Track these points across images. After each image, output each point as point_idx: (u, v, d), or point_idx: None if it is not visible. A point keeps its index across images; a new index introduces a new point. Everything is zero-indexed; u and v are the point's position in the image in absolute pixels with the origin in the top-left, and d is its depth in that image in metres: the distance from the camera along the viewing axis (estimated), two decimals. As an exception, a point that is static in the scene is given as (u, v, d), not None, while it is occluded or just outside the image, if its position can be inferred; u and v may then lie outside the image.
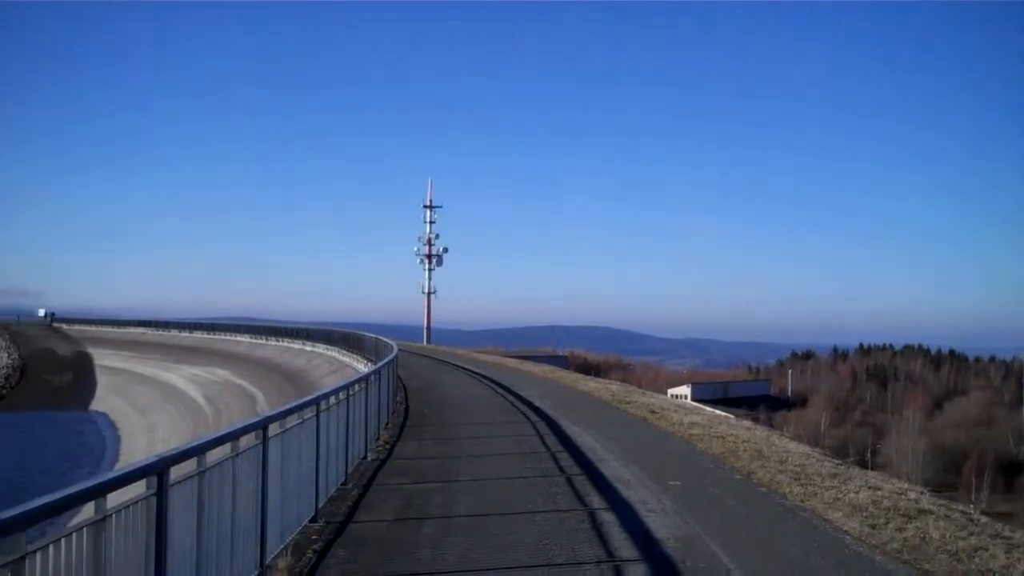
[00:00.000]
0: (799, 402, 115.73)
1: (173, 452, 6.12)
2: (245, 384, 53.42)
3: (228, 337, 76.63)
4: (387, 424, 20.11)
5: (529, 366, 48.59)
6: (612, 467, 15.08)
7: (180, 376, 66.32)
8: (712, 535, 10.45)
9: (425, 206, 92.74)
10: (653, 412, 24.28)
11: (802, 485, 13.68)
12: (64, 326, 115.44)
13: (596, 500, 12.34)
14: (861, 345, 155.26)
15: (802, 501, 12.64)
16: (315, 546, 9.86)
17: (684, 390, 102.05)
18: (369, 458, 15.85)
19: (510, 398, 28.10)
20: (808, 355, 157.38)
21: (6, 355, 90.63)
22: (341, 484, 13.02)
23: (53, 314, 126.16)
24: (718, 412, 31.63)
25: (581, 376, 44.82)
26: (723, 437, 19.18)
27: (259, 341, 68.22)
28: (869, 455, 79.23)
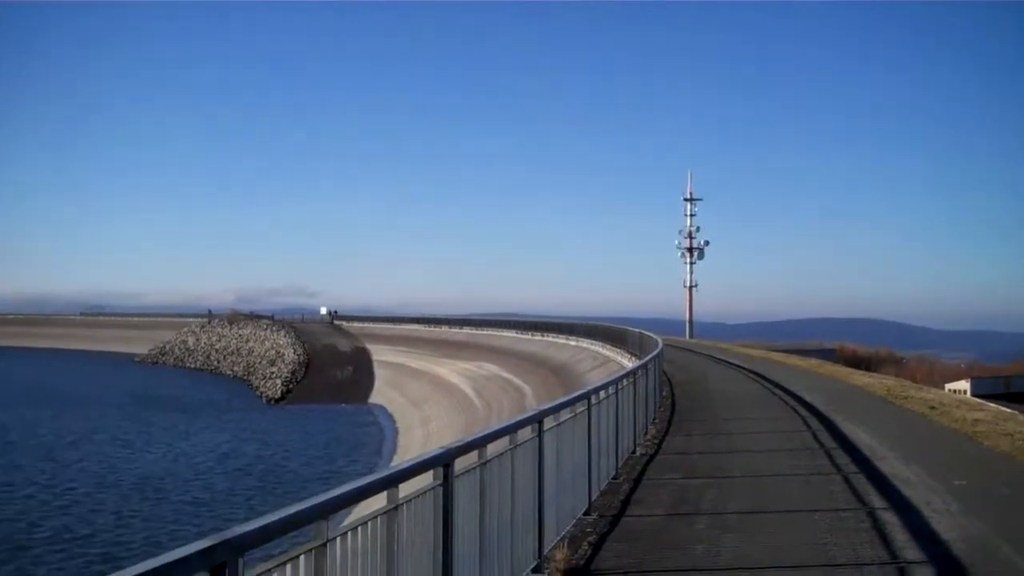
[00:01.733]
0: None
1: (457, 444, 6.33)
2: (512, 378, 54.64)
3: (494, 332, 78.67)
4: (654, 419, 20.07)
5: (796, 360, 47.29)
6: (891, 465, 14.37)
7: (451, 370, 68.59)
8: (1004, 537, 9.76)
9: (685, 199, 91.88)
10: (932, 408, 22.99)
11: (1101, 485, 12.59)
12: (344, 323, 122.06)
13: (876, 499, 11.81)
14: None
15: (1102, 503, 11.63)
16: (590, 539, 9.96)
17: (963, 385, 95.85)
18: (638, 452, 15.87)
19: (778, 392, 27.45)
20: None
21: (292, 351, 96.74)
22: (612, 478, 13.10)
23: (335, 312, 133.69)
24: (1003, 408, 29.48)
25: (852, 370, 43.10)
26: (1011, 434, 17.87)
27: (524, 336, 69.70)
28: None
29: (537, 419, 8.55)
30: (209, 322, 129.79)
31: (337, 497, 4.49)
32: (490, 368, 61.88)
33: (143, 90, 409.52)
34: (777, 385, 29.54)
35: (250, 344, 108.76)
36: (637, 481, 13.31)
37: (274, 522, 3.90)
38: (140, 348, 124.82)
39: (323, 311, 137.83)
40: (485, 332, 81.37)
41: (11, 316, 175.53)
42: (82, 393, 73.74)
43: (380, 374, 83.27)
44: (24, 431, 52.24)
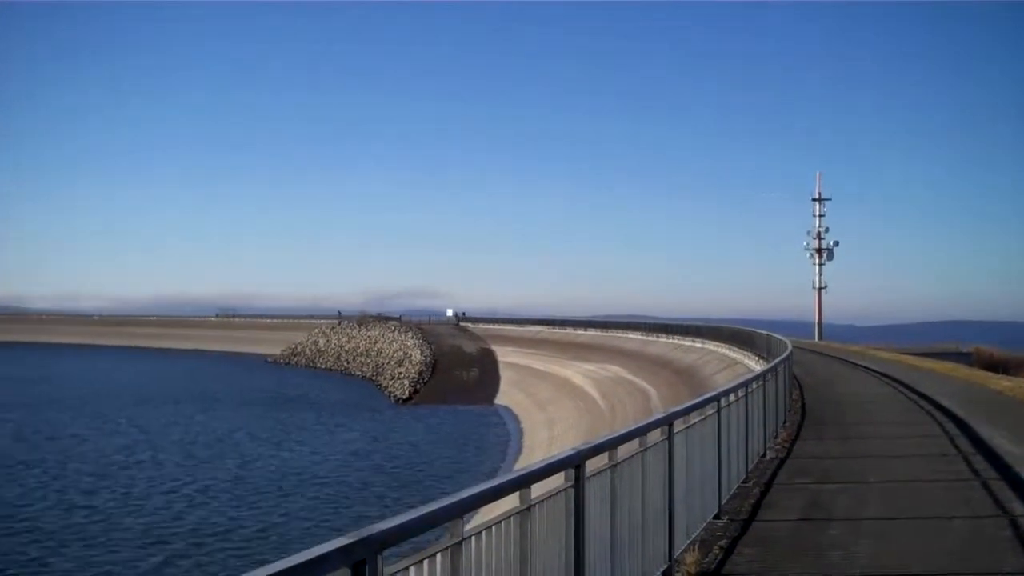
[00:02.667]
0: None
1: (588, 446, 6.35)
2: (637, 380, 54.35)
3: (619, 334, 78.37)
4: (784, 422, 19.75)
5: (930, 363, 45.78)
6: (1034, 472, 13.86)
7: (575, 372, 68.56)
8: None
9: (813, 199, 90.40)
10: (1078, 412, 22.08)
11: None
12: (470, 325, 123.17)
13: (1018, 506, 11.43)
14: None
15: None
16: (720, 543, 9.88)
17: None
18: (768, 456, 15.65)
19: (912, 396, 26.71)
20: None
21: (419, 353, 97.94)
22: (742, 482, 12.96)
23: (463, 314, 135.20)
24: None
25: (989, 374, 41.52)
26: None
27: (649, 338, 69.24)
28: None
29: (667, 421, 8.51)
30: (339, 323, 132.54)
31: (472, 497, 4.56)
32: (615, 370, 61.64)
33: (277, 89, 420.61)
34: (910, 388, 28.75)
35: (378, 345, 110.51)
36: (768, 485, 13.14)
37: (412, 520, 3.98)
38: (273, 349, 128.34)
39: (449, 312, 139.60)
40: (610, 334, 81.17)
41: (152, 318, 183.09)
42: (220, 393, 76.33)
43: (505, 375, 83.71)
44: (168, 428, 54.36)
